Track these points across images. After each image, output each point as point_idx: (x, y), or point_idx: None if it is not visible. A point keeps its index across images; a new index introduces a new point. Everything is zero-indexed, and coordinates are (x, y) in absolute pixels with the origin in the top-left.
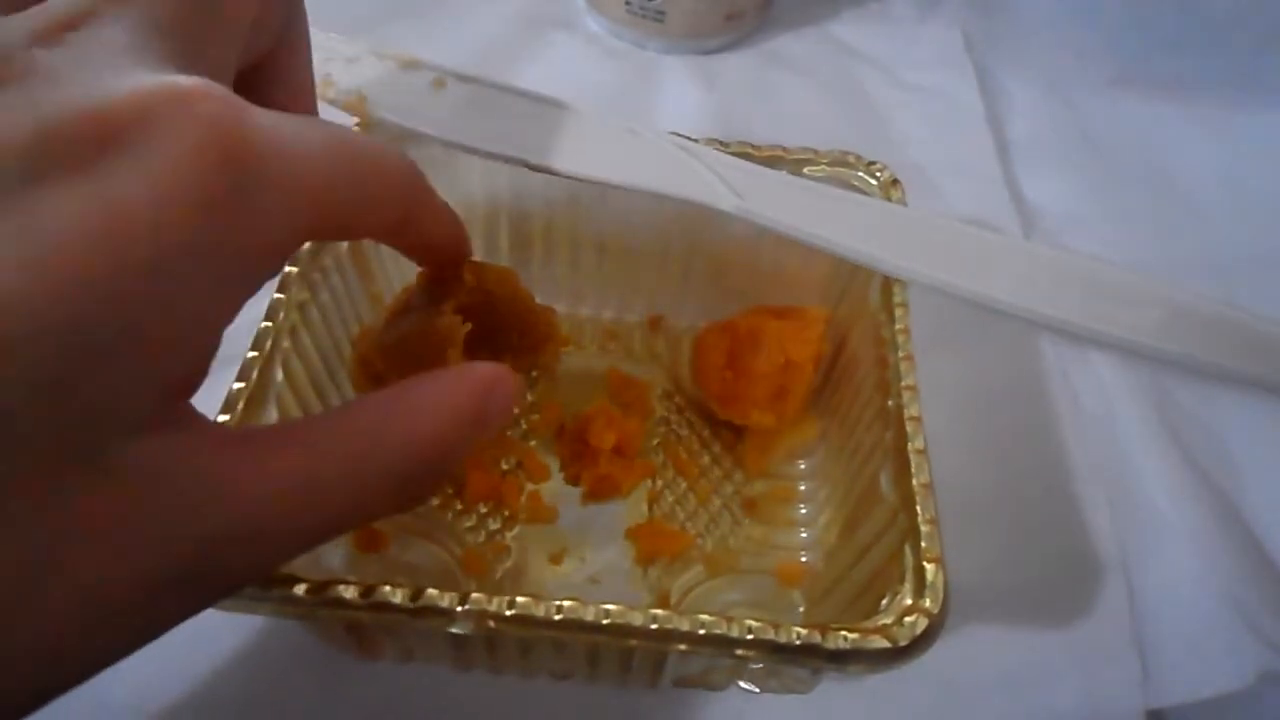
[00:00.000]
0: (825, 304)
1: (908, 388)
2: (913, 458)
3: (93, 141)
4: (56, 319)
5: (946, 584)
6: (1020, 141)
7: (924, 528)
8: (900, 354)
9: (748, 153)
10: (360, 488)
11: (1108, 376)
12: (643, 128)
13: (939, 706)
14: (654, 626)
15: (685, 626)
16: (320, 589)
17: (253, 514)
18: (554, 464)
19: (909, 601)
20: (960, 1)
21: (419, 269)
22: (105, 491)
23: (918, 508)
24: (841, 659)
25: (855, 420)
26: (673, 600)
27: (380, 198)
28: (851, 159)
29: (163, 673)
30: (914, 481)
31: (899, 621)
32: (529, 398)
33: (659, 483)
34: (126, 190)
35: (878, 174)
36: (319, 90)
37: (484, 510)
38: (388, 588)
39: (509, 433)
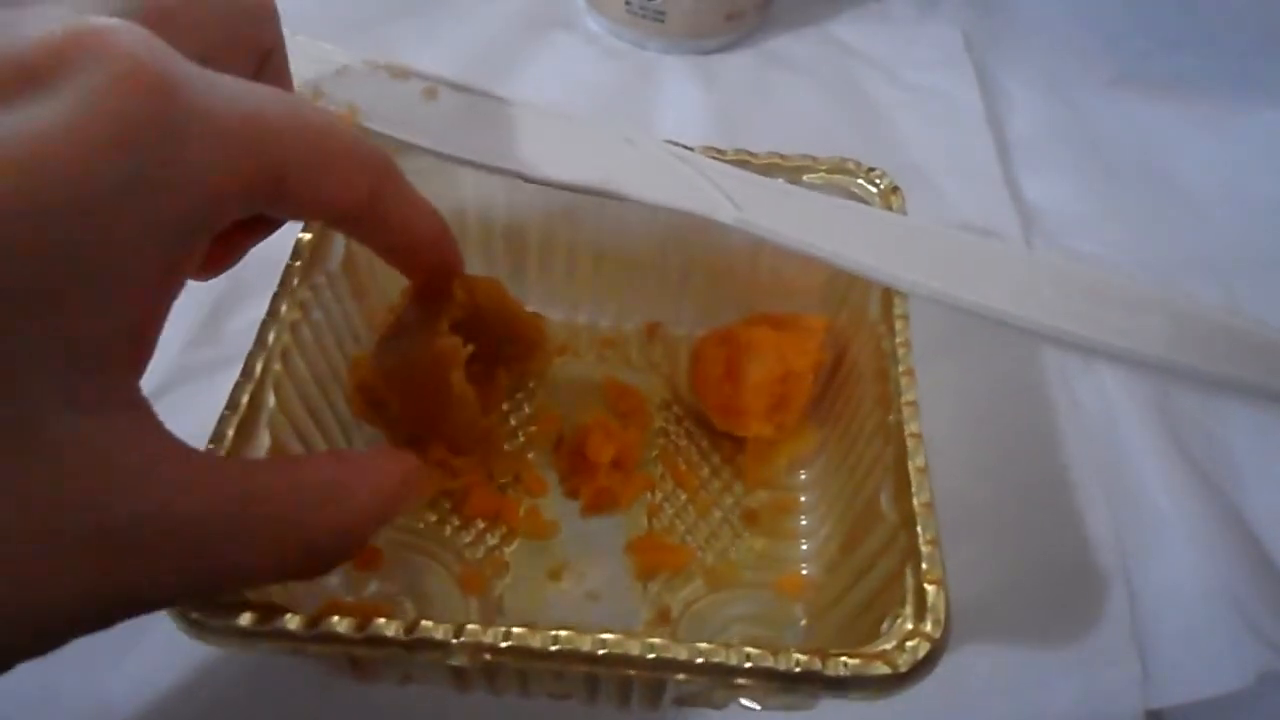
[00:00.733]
0: (824, 312)
1: (908, 403)
2: (913, 476)
3: (11, 81)
4: None
5: (948, 607)
6: (1020, 141)
7: (925, 549)
8: (901, 368)
9: (746, 160)
10: (278, 539)
11: (1109, 380)
12: (640, 137)
13: (939, 707)
14: (651, 656)
15: (683, 655)
16: (313, 623)
17: (179, 511)
18: (553, 477)
19: (910, 626)
20: (960, 1)
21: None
22: (31, 466)
23: (918, 528)
24: (841, 686)
25: (856, 433)
26: (674, 615)
27: (340, 168)
28: (851, 165)
29: (161, 678)
30: (915, 501)
31: (900, 646)
32: (526, 409)
33: (658, 495)
34: (39, 127)
35: (877, 181)
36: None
37: (482, 525)
38: (382, 620)
39: (506, 445)
